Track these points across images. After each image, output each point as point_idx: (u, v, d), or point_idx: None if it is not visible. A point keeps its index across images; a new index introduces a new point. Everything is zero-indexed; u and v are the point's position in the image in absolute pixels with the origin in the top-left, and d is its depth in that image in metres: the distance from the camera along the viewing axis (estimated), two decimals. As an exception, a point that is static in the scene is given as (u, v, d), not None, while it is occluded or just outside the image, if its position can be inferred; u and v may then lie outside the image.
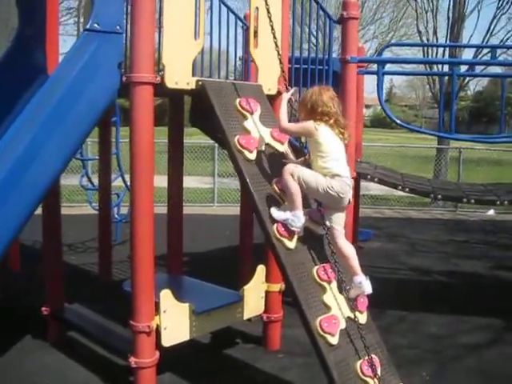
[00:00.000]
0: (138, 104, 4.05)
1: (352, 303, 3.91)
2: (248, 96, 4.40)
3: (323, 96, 3.89)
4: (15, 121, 3.92)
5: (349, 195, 3.87)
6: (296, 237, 3.92)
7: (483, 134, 35.57)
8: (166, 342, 4.34)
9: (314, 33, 9.97)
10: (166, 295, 4.31)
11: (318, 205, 4.00)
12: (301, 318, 3.74)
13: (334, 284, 3.93)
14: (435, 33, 17.26)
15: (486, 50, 14.81)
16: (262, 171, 4.10)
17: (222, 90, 4.31)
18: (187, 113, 6.36)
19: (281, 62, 4.27)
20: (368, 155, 14.36)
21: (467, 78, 16.88)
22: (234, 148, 4.07)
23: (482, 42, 16.31)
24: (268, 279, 5.17)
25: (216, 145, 13.39)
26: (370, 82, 6.16)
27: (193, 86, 4.25)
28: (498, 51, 16.04)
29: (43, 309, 5.34)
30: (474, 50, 16.10)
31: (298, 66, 6.20)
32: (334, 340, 3.68)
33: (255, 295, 5.07)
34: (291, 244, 3.87)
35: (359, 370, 3.69)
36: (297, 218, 3.83)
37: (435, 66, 15.74)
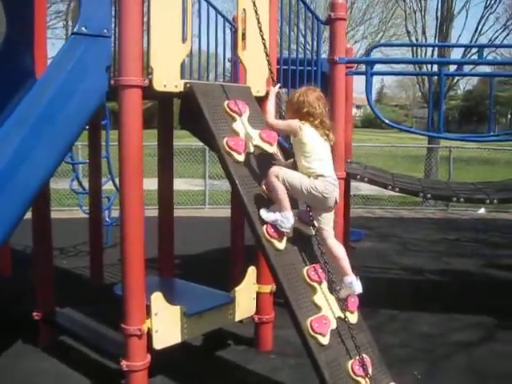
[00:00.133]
0: (127, 107, 4.04)
1: (343, 303, 3.92)
2: (236, 98, 4.41)
3: (309, 97, 3.91)
4: (4, 123, 3.91)
5: (334, 195, 3.88)
6: (286, 238, 3.93)
7: (474, 132, 35.79)
8: (158, 344, 4.33)
9: (302, 33, 10.06)
10: (156, 298, 4.31)
11: (307, 206, 4.00)
12: (291, 318, 3.75)
13: (325, 284, 3.94)
14: (424, 33, 17.31)
15: (474, 50, 14.86)
16: (251, 173, 4.11)
17: (210, 92, 4.31)
18: (177, 115, 6.37)
19: (269, 64, 4.28)
20: (359, 155, 14.41)
21: (456, 78, 16.93)
22: (222, 150, 4.07)
23: (471, 41, 16.39)
24: (259, 280, 5.18)
25: (207, 147, 13.39)
26: (360, 82, 6.18)
27: (181, 88, 4.25)
28: (488, 50, 16.19)
29: (34, 313, 5.32)
30: (463, 49, 16.16)
31: (286, 67, 6.21)
32: (324, 340, 3.69)
33: (246, 296, 5.07)
34: (281, 245, 3.88)
35: (350, 370, 3.70)
36: (286, 219, 3.84)
37: (424, 66, 15.78)
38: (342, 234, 5.86)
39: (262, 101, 4.81)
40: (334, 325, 3.81)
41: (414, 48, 16.64)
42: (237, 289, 4.97)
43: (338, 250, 3.99)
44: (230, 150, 4.06)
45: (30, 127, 3.94)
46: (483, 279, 8.06)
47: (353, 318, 3.95)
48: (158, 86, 4.12)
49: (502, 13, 18.65)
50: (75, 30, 4.08)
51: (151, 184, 6.32)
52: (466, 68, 11.11)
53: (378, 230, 11.67)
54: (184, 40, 4.32)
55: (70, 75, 4.06)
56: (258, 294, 5.23)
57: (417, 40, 17.18)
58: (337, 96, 5.72)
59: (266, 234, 3.84)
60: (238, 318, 5.05)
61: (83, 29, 4.07)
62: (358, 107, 63.02)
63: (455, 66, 10.14)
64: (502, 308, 6.58)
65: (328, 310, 3.84)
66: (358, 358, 3.76)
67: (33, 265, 5.39)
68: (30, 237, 5.34)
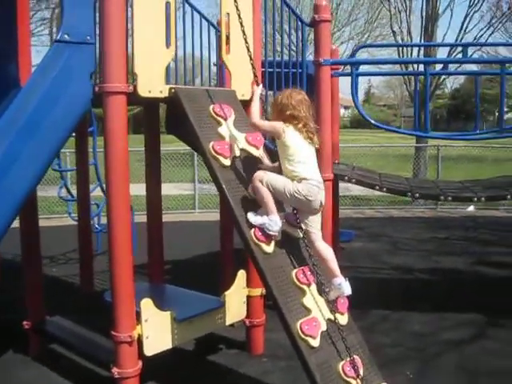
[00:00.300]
0: (112, 114, 4.04)
1: (332, 305, 3.92)
2: (222, 102, 4.41)
3: (293, 99, 3.92)
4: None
5: (319, 198, 3.87)
6: (274, 241, 3.93)
7: (462, 130, 35.85)
8: (149, 351, 4.32)
9: (287, 36, 10.06)
10: (146, 304, 4.29)
11: (293, 208, 4.01)
12: (281, 321, 3.75)
13: (314, 286, 3.94)
14: (409, 32, 17.36)
15: (460, 48, 14.94)
16: (237, 177, 4.11)
17: (195, 97, 4.31)
18: (164, 120, 6.37)
19: (253, 67, 4.28)
20: (348, 156, 14.46)
21: (443, 77, 16.99)
22: (209, 154, 4.07)
23: (456, 39, 16.44)
24: (249, 284, 5.17)
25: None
26: (347, 83, 6.18)
27: (166, 93, 4.25)
28: (474, 48, 16.27)
29: (24, 322, 5.30)
30: (449, 48, 16.22)
31: (271, 69, 6.21)
32: (315, 342, 3.69)
33: (237, 300, 5.07)
34: (269, 248, 3.88)
35: (341, 371, 3.70)
36: (273, 222, 3.84)
37: (410, 66, 15.83)
38: (331, 235, 5.88)
39: (247, 104, 4.81)
40: (324, 327, 3.81)
41: (400, 48, 16.69)
42: (227, 293, 4.97)
43: (326, 252, 4.00)
44: (216, 155, 4.06)
45: (17, 133, 3.94)
46: (473, 277, 8.09)
47: (343, 319, 3.96)
48: (143, 91, 4.11)
49: (487, 11, 18.77)
50: (58, 37, 4.07)
51: (140, 189, 6.31)
52: (452, 67, 11.16)
53: (368, 230, 11.69)
54: (168, 45, 4.31)
55: (54, 82, 4.06)
56: (249, 297, 5.23)
57: (402, 40, 17.22)
58: (323, 97, 5.74)
59: (254, 238, 3.84)
60: (228, 322, 5.05)
61: (66, 36, 4.06)
62: (346, 108, 63.19)
63: (441, 65, 10.16)
64: (492, 305, 6.61)
65: (318, 312, 3.84)
66: (348, 359, 3.76)
67: (22, 273, 5.36)
68: (19, 245, 5.31)
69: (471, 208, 13.99)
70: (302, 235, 3.99)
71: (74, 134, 5.78)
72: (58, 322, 5.35)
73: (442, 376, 4.96)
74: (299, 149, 3.85)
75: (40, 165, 4.16)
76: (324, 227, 4.17)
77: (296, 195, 3.81)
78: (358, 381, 3.72)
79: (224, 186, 3.98)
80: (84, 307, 5.71)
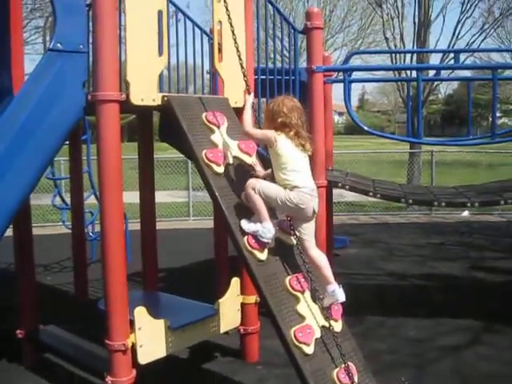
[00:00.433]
0: (105, 122, 4.04)
1: (326, 312, 3.92)
2: (215, 109, 4.41)
3: (285, 107, 3.90)
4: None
5: (311, 205, 3.85)
6: (267, 248, 3.92)
7: (456, 135, 36.03)
8: (143, 359, 4.30)
9: (280, 43, 10.09)
10: (140, 312, 4.28)
11: (287, 216, 4.01)
12: (275, 328, 3.74)
13: (308, 293, 3.93)
14: (402, 39, 17.42)
15: (452, 54, 14.98)
16: (230, 184, 4.10)
17: (187, 105, 4.31)
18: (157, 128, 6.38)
19: (244, 76, 4.28)
20: (343, 162, 14.47)
21: (436, 82, 17.04)
22: (201, 162, 4.06)
23: (449, 45, 16.49)
24: (243, 291, 5.16)
25: (189, 158, 13.38)
26: (341, 89, 6.20)
27: (159, 101, 4.25)
28: (467, 54, 16.32)
29: (18, 331, 5.27)
30: (441, 54, 16.28)
31: (264, 77, 6.22)
32: (309, 350, 3.68)
33: (231, 308, 5.06)
34: (262, 255, 3.87)
35: (336, 379, 3.69)
36: (266, 230, 3.84)
37: (403, 72, 15.88)
38: (325, 241, 5.88)
39: (240, 112, 4.81)
40: (318, 334, 3.80)
41: (393, 54, 16.75)
42: (220, 300, 4.96)
43: (320, 259, 3.99)
44: (208, 162, 4.06)
45: (9, 141, 3.96)
46: (468, 282, 8.09)
47: (337, 326, 3.95)
48: (136, 100, 4.12)
49: (479, 17, 18.86)
50: (51, 46, 4.08)
51: (134, 197, 6.30)
52: (445, 73, 11.19)
53: (362, 237, 11.69)
54: (160, 53, 4.31)
55: (47, 90, 4.08)
56: (243, 304, 5.22)
57: (395, 46, 17.27)
58: (315, 104, 5.75)
59: (247, 245, 3.83)
60: (222, 329, 5.04)
61: (59, 45, 4.08)
62: (341, 114, 63.37)
63: (434, 71, 10.19)
64: (487, 311, 6.62)
65: (312, 319, 3.83)
66: (343, 366, 3.75)
67: (16, 282, 5.35)
68: (12, 254, 5.29)
69: (466, 213, 14.01)
70: (295, 242, 3.99)
71: (67, 142, 5.78)
72: (51, 331, 5.34)
73: (438, 382, 4.96)
74: (291, 157, 3.84)
75: (33, 173, 4.17)
76: (317, 234, 4.16)
77: (288, 203, 3.81)
78: (353, 387, 3.72)
79: (217, 194, 3.97)
80: (78, 316, 5.69)
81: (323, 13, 19.60)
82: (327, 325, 3.85)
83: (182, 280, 7.87)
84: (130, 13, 4.11)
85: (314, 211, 3.89)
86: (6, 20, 4.52)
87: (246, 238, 3.86)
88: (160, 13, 4.26)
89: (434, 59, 17.65)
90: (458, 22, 17.06)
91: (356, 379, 3.76)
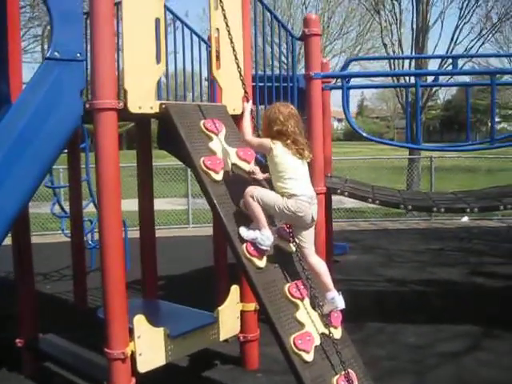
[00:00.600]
0: (102, 130, 4.04)
1: (326, 319, 3.90)
2: (213, 117, 4.41)
3: (280, 115, 3.87)
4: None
5: (309, 213, 3.84)
6: (266, 255, 3.91)
7: (455, 141, 36.07)
8: (142, 367, 4.29)
9: (278, 50, 10.08)
10: (139, 320, 4.27)
11: (286, 223, 4.00)
12: (274, 336, 3.73)
13: (307, 301, 3.92)
14: (400, 45, 17.45)
15: (451, 60, 15.01)
16: (229, 191, 4.10)
17: (185, 113, 4.31)
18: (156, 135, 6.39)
19: (243, 83, 4.28)
20: (342, 169, 14.48)
21: (434, 88, 17.06)
22: (200, 169, 4.06)
23: (447, 51, 16.53)
24: (243, 299, 5.15)
25: (189, 165, 13.36)
26: (340, 95, 6.20)
27: (157, 109, 4.25)
28: (465, 60, 16.35)
29: (17, 340, 5.26)
30: (439, 60, 16.31)
31: (262, 84, 6.23)
32: (308, 357, 3.67)
33: (230, 316, 5.05)
34: (261, 263, 3.86)
35: (336, 386, 3.69)
36: (265, 237, 3.83)
37: (402, 78, 15.90)
38: (325, 248, 5.87)
39: (238, 119, 4.82)
40: (317, 341, 3.79)
41: (392, 60, 16.77)
42: (220, 308, 4.95)
43: (320, 266, 3.97)
44: (207, 170, 4.05)
45: (8, 149, 3.95)
46: (468, 288, 8.08)
47: (337, 333, 3.93)
48: (133, 108, 4.11)
49: (477, 22, 18.87)
50: (48, 55, 4.09)
51: (133, 205, 6.30)
52: (443, 78, 11.21)
53: (362, 243, 11.69)
54: (158, 61, 4.31)
55: (44, 99, 4.08)
56: (242, 312, 5.21)
57: (394, 52, 17.31)
58: (314, 111, 5.75)
59: (246, 253, 3.83)
60: (222, 337, 5.02)
61: (56, 54, 4.08)
62: (340, 120, 63.44)
63: (432, 77, 10.20)
64: (487, 316, 6.61)
65: (311, 327, 3.82)
66: (343, 373, 3.74)
67: (15, 291, 5.34)
68: (11, 262, 5.28)
69: (466, 218, 14.01)
70: (294, 249, 3.98)
71: (66, 151, 5.79)
72: (51, 340, 5.33)
73: (438, 389, 4.96)
74: (288, 165, 3.83)
75: (31, 181, 4.16)
76: (317, 240, 4.16)
77: (285, 211, 3.80)
78: (353, 395, 3.71)
79: (215, 201, 3.97)
80: (77, 324, 5.68)
81: (321, 19, 19.65)
82: (327, 332, 3.84)
83: (182, 288, 7.87)
84: (127, 21, 4.11)
85: (312, 219, 3.88)
86: (3, 28, 4.53)
87: (244, 245, 3.85)
88: (157, 20, 4.27)
89: (433, 65, 17.70)
90: (456, 27, 17.12)
91: (356, 386, 3.75)
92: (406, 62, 17.16)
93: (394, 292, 8.07)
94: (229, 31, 4.31)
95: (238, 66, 4.27)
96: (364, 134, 6.61)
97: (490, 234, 12.45)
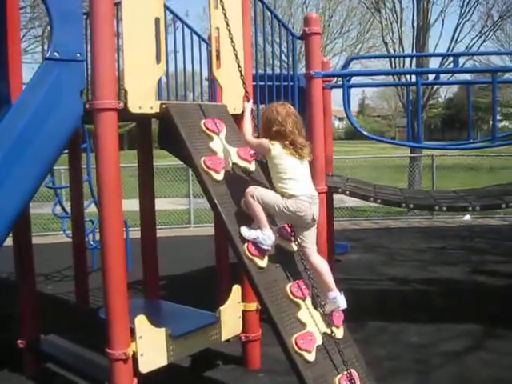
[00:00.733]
0: (103, 130, 4.03)
1: (328, 318, 3.89)
2: (213, 117, 4.40)
3: (278, 115, 3.85)
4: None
5: (310, 212, 3.82)
6: (267, 255, 3.90)
7: (457, 139, 36.02)
8: (144, 368, 4.27)
9: (279, 49, 10.05)
10: (141, 321, 4.26)
11: (287, 223, 3.99)
12: (276, 336, 3.72)
13: (309, 300, 3.91)
14: (401, 43, 17.43)
15: (452, 58, 15.00)
16: (230, 191, 4.09)
17: (186, 112, 4.30)
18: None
19: (243, 83, 4.27)
20: (343, 168, 14.45)
21: (436, 86, 17.05)
22: (200, 169, 4.05)
23: (448, 49, 16.51)
24: (244, 299, 5.14)
25: (190, 165, 13.34)
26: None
27: (157, 109, 4.24)
28: (466, 58, 16.32)
29: (19, 341, 5.25)
30: (440, 58, 16.30)
31: (263, 83, 6.22)
32: (310, 357, 3.66)
33: (232, 315, 5.04)
34: (263, 263, 3.85)
35: (338, 386, 3.68)
36: (266, 237, 3.82)
37: (403, 76, 15.88)
38: (327, 247, 5.86)
39: (239, 119, 4.81)
40: (319, 341, 3.78)
41: (393, 58, 16.75)
42: (221, 308, 4.93)
43: (321, 265, 3.96)
44: (207, 170, 4.04)
45: (8, 150, 3.95)
46: (470, 286, 8.07)
47: (339, 332, 3.92)
48: (133, 108, 4.10)
49: (478, 20, 18.88)
50: (48, 55, 4.09)
51: (134, 205, 6.29)
52: (444, 76, 11.15)
53: (364, 242, 11.66)
54: (158, 61, 4.30)
55: (44, 99, 4.09)
56: (244, 312, 5.20)
57: (395, 51, 17.29)
58: (315, 110, 5.74)
59: (248, 252, 3.82)
60: (224, 337, 5.01)
61: (56, 54, 4.08)
62: (341, 119, 63.43)
63: (433, 75, 10.19)
64: (489, 315, 6.59)
65: (313, 326, 3.81)
66: (345, 373, 3.73)
67: (16, 291, 5.33)
68: (13, 263, 5.27)
69: (467, 217, 13.98)
70: (296, 249, 3.97)
71: (67, 151, 5.78)
72: (52, 341, 5.32)
73: (441, 388, 4.95)
74: (287, 166, 3.81)
75: (31, 181, 4.16)
76: (318, 239, 4.14)
77: (285, 211, 3.79)
78: (356, 395, 3.70)
79: (216, 201, 3.96)
80: (79, 325, 5.67)
81: (322, 18, 19.61)
82: (329, 331, 3.83)
83: (183, 288, 7.86)
84: (127, 20, 4.10)
85: (313, 218, 3.86)
86: (3, 29, 4.52)
87: (245, 245, 3.84)
88: (157, 20, 4.26)
89: (434, 63, 17.73)
90: (457, 25, 17.12)
91: (358, 386, 3.74)
92: (407, 60, 17.14)
93: (396, 291, 8.05)
94: (229, 30, 4.31)
95: (239, 66, 4.26)
96: (365, 133, 6.60)
97: (491, 233, 12.42)
